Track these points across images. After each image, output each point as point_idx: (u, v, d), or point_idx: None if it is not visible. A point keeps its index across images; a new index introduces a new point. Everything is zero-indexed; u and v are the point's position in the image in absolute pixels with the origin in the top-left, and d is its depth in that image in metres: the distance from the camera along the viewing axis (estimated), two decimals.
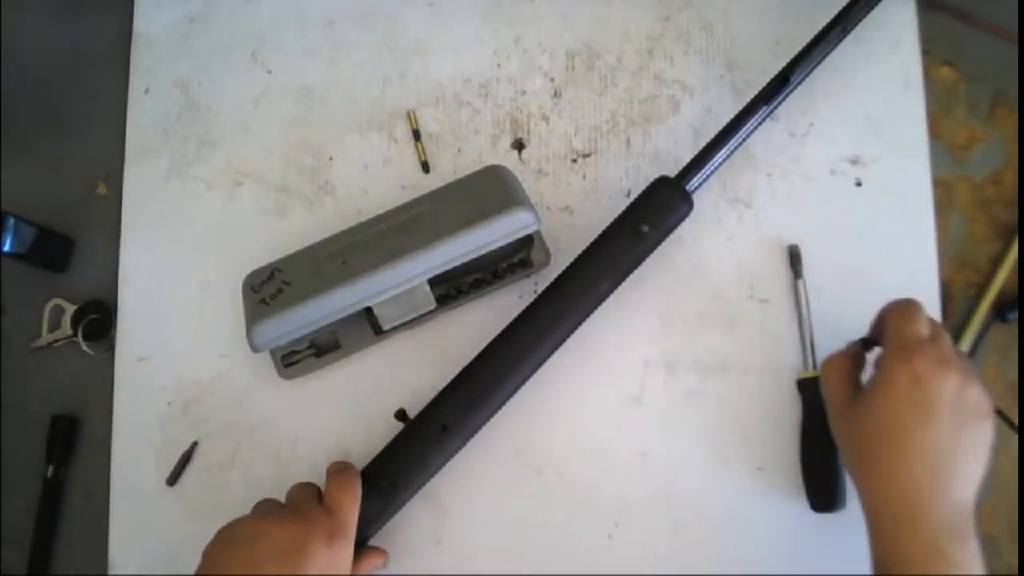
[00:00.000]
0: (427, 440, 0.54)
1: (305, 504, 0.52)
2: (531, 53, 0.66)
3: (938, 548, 0.45)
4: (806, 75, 0.57)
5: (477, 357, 0.56)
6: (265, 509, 0.53)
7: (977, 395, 0.48)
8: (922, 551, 0.45)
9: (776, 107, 0.57)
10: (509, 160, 0.64)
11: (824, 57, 0.58)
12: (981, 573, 0.45)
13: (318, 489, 0.54)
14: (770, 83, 0.57)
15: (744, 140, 0.57)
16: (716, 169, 0.57)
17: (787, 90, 0.57)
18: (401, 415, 0.56)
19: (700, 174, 0.57)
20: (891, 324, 0.50)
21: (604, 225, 0.62)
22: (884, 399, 0.47)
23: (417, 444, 0.54)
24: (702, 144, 0.62)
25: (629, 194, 0.63)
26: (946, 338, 0.50)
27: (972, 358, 0.58)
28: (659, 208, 0.56)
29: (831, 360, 0.53)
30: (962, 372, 0.48)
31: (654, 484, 0.56)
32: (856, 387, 0.51)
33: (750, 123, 0.57)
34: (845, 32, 0.58)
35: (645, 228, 0.55)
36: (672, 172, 0.62)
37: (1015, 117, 0.61)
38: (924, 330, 0.49)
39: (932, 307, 0.59)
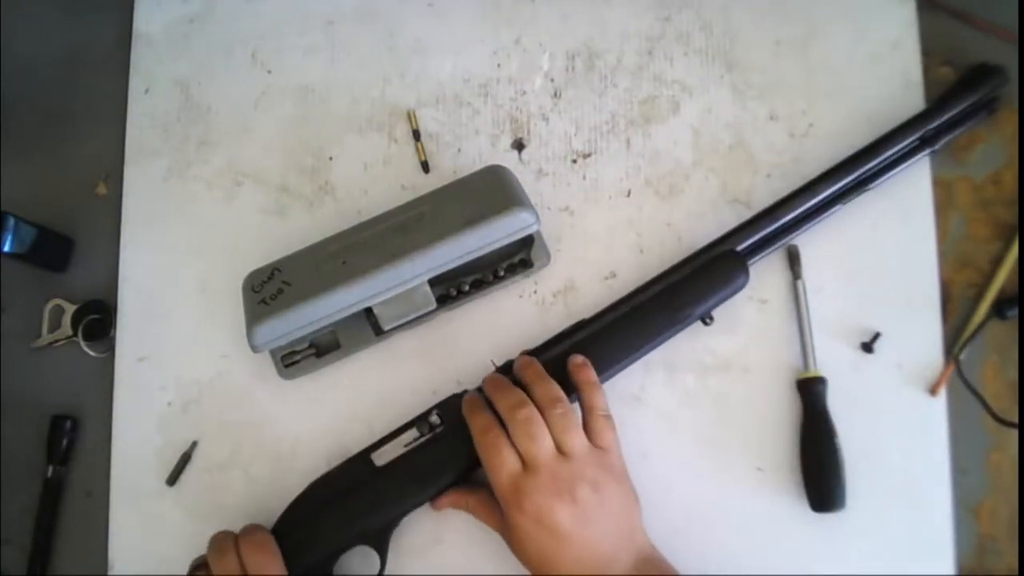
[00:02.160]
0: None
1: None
2: (531, 53, 0.66)
3: None
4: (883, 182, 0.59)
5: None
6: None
7: (592, 471, 0.50)
8: None
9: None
10: (509, 160, 0.64)
11: (902, 168, 0.59)
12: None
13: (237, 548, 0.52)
14: (850, 186, 0.58)
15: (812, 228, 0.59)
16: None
17: (864, 192, 0.59)
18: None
19: (762, 254, 0.58)
20: (489, 478, 0.52)
21: (604, 225, 0.62)
22: (524, 546, 0.50)
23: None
24: (702, 143, 0.63)
25: (629, 195, 0.63)
26: (537, 460, 0.50)
27: (972, 358, 0.58)
28: (728, 294, 0.57)
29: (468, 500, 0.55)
30: (567, 473, 0.49)
31: (654, 484, 0.56)
32: (500, 512, 0.52)
33: (823, 217, 0.58)
34: (934, 151, 0.59)
35: (710, 321, 0.57)
36: (672, 172, 0.63)
37: (1015, 117, 0.61)
38: (514, 467, 0.50)
39: (932, 307, 0.59)
